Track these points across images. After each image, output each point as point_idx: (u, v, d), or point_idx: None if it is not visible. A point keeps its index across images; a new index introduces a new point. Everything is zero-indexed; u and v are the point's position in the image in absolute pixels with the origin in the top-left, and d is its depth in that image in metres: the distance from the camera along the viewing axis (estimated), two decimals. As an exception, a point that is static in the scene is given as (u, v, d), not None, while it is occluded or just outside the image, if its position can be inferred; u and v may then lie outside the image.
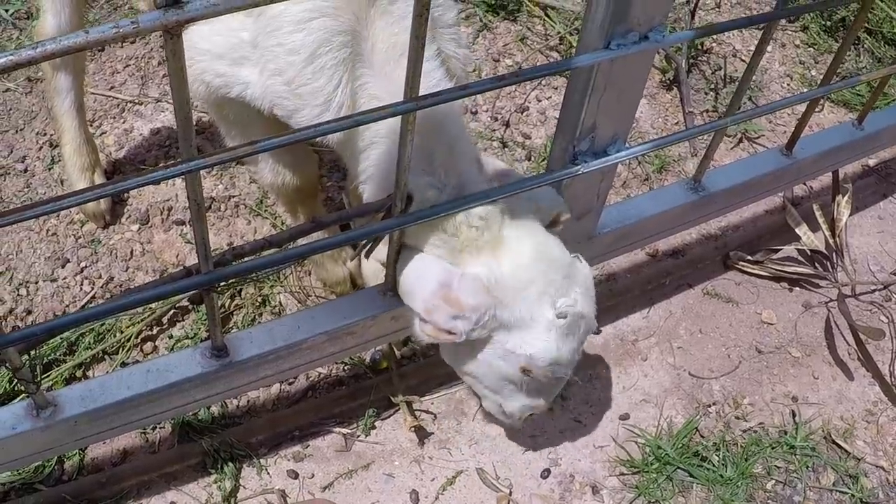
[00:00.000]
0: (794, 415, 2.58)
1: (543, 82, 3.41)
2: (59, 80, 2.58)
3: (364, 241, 1.83)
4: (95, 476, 2.21)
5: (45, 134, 2.94)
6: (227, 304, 2.56)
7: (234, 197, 2.84)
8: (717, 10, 3.87)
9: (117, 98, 3.11)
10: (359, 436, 2.39)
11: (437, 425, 2.44)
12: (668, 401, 2.57)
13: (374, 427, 2.41)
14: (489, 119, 3.24)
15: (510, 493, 2.33)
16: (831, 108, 3.56)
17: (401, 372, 2.48)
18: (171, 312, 2.53)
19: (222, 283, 1.66)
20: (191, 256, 2.68)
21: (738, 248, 2.96)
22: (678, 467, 2.40)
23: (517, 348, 1.78)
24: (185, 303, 2.54)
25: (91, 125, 2.94)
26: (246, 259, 1.68)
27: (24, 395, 2.20)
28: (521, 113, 3.29)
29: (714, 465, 2.41)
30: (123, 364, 2.41)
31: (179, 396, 1.85)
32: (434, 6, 1.82)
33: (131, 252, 2.67)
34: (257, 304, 2.58)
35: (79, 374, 2.38)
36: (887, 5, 3.78)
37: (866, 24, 3.76)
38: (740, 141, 3.36)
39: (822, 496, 2.42)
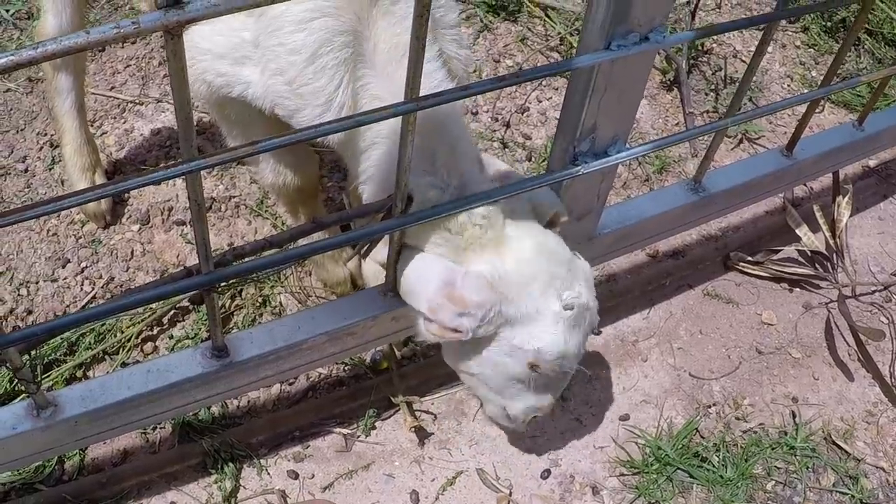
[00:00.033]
0: (794, 415, 2.58)
1: (544, 83, 3.41)
2: (60, 80, 2.58)
3: (362, 242, 1.84)
4: (96, 476, 2.22)
5: (45, 134, 2.94)
6: (227, 305, 2.56)
7: (234, 197, 2.84)
8: (717, 10, 3.87)
9: (118, 98, 3.11)
10: (359, 436, 2.39)
11: (438, 426, 2.44)
12: (668, 401, 2.57)
13: (374, 427, 2.41)
14: (490, 119, 3.24)
15: (510, 494, 2.33)
16: (832, 108, 3.56)
17: (401, 372, 2.48)
18: (172, 313, 2.53)
19: (223, 284, 1.66)
20: (191, 257, 2.68)
21: (738, 249, 2.96)
22: (678, 468, 2.40)
23: (525, 343, 1.77)
24: (185, 303, 2.55)
25: (92, 125, 2.94)
26: (246, 259, 1.68)
27: (24, 395, 2.20)
28: (522, 113, 3.29)
29: (714, 466, 2.41)
30: (124, 364, 2.41)
31: (180, 397, 1.85)
32: (436, 7, 1.82)
33: (132, 252, 2.67)
34: (258, 304, 2.58)
35: (79, 374, 2.39)
36: (888, 6, 3.79)
37: (867, 25, 3.76)
38: (741, 142, 3.36)
39: (822, 497, 2.42)
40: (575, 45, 3.37)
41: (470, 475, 2.36)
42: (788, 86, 3.61)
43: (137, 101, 3.11)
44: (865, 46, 3.78)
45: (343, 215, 2.04)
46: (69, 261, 2.62)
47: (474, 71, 3.32)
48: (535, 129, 3.24)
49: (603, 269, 2.83)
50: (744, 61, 3.65)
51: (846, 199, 2.94)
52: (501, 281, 1.73)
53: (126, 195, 2.81)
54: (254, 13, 1.77)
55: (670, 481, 2.38)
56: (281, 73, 1.75)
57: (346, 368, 2.52)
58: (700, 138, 3.23)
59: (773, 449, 2.48)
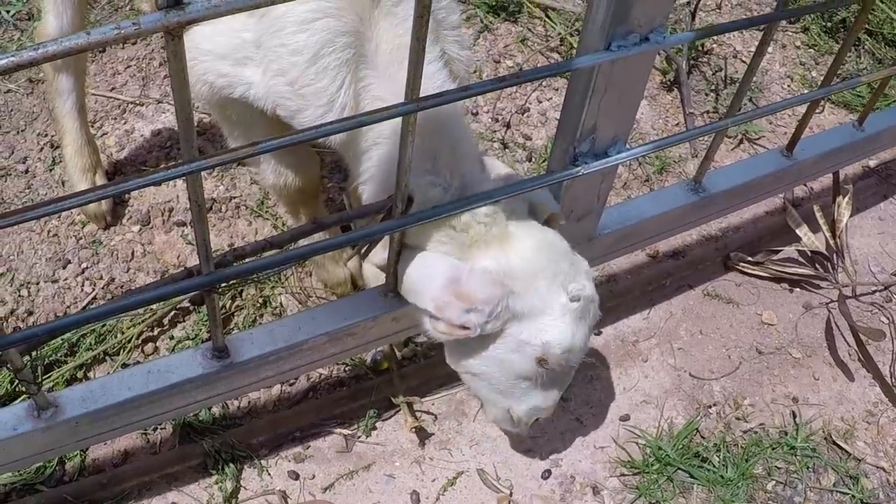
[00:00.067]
0: (794, 415, 2.58)
1: (544, 83, 3.41)
2: (61, 81, 2.58)
3: (362, 243, 1.84)
4: (96, 477, 2.22)
5: (46, 135, 2.95)
6: (227, 305, 2.56)
7: (235, 198, 2.84)
8: (717, 11, 3.87)
9: (118, 99, 3.11)
10: (359, 437, 2.39)
11: (438, 426, 2.45)
12: (668, 402, 2.57)
13: (374, 428, 2.41)
14: (490, 120, 3.24)
15: (511, 494, 2.33)
16: (832, 109, 3.56)
17: (401, 373, 2.48)
18: (172, 313, 2.53)
19: (223, 284, 1.66)
20: (192, 257, 2.68)
21: (738, 249, 2.96)
22: (679, 468, 2.40)
23: (533, 337, 1.77)
24: (186, 304, 2.55)
25: (92, 126, 2.94)
26: (247, 260, 1.68)
27: (25, 395, 2.21)
28: (522, 114, 3.29)
29: (714, 466, 2.41)
30: (124, 365, 2.41)
31: (180, 397, 1.85)
32: (438, 8, 1.83)
33: (132, 253, 2.67)
34: (258, 305, 2.59)
35: (80, 375, 2.39)
36: (888, 6, 3.79)
37: (867, 26, 3.76)
38: (741, 142, 3.36)
39: (822, 497, 2.42)
40: (575, 45, 3.37)
41: (470, 475, 2.36)
42: (788, 86, 3.62)
43: (138, 101, 3.11)
44: (865, 47, 3.78)
45: (343, 216, 2.05)
46: (70, 262, 2.62)
47: (475, 72, 3.32)
48: (536, 130, 3.24)
49: (603, 269, 2.83)
50: (744, 62, 3.66)
51: (846, 199, 2.94)
52: (507, 276, 1.74)
53: (126, 196, 2.81)
54: (255, 14, 1.77)
55: (671, 481, 2.38)
56: (283, 73, 1.75)
57: (346, 369, 2.52)
58: (700, 139, 3.24)
59: (773, 449, 2.48)
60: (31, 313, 2.51)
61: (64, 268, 2.61)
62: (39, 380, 2.31)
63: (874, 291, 2.95)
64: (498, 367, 1.85)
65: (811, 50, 3.79)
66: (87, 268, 2.62)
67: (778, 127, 3.45)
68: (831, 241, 2.91)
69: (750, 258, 2.92)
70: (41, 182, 2.82)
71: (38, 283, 2.57)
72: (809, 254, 2.95)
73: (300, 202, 2.32)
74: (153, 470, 2.25)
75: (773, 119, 3.47)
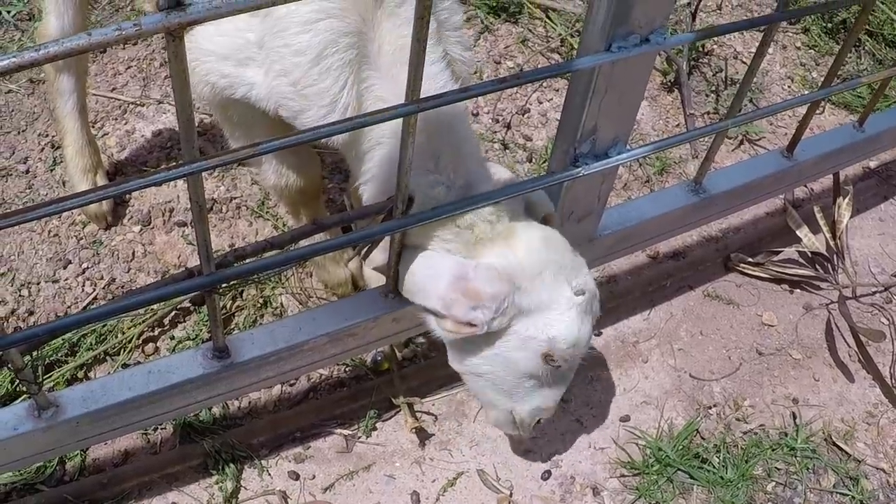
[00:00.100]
0: (794, 417, 2.58)
1: (545, 84, 3.42)
2: (62, 81, 2.58)
3: (363, 243, 1.84)
4: (97, 477, 2.22)
5: (47, 135, 2.95)
6: (228, 306, 2.56)
7: (235, 198, 2.84)
8: (717, 12, 3.87)
9: (119, 100, 3.11)
10: (360, 437, 2.39)
11: (438, 427, 2.45)
12: (668, 402, 2.57)
13: (375, 428, 2.41)
14: (490, 121, 3.24)
15: (511, 495, 2.33)
16: (832, 110, 3.57)
17: (402, 373, 2.48)
18: (173, 314, 2.53)
19: (224, 285, 1.66)
20: (192, 258, 2.68)
21: (738, 250, 2.96)
22: (679, 469, 2.40)
23: (539, 333, 1.78)
24: (186, 304, 2.55)
25: (93, 126, 2.94)
26: (247, 260, 1.68)
27: (25, 395, 2.21)
28: (523, 115, 3.30)
29: (714, 467, 2.41)
30: (125, 365, 2.41)
31: (181, 397, 1.85)
32: (441, 9, 1.83)
33: (133, 253, 2.67)
34: (259, 305, 2.59)
35: (80, 375, 2.39)
36: (888, 7, 3.79)
37: (867, 27, 3.76)
38: (741, 143, 3.36)
39: (822, 498, 2.42)
40: (576, 46, 3.38)
41: (471, 476, 2.36)
42: (789, 87, 3.62)
43: (139, 102, 3.11)
44: (866, 48, 3.78)
45: (344, 217, 2.04)
46: (70, 262, 2.63)
47: (475, 73, 3.32)
48: (536, 131, 3.25)
49: (603, 270, 2.83)
50: (744, 62, 3.66)
51: (847, 200, 2.94)
52: (513, 272, 1.74)
53: (127, 196, 2.81)
54: (258, 14, 1.77)
55: (671, 482, 2.38)
56: (285, 74, 1.75)
57: (347, 369, 2.52)
58: (701, 140, 3.24)
59: (773, 450, 2.48)
60: (31, 313, 2.51)
61: (65, 268, 2.61)
62: (40, 380, 2.31)
63: (874, 292, 2.95)
64: (503, 365, 1.85)
65: (812, 51, 3.79)
66: (87, 268, 2.62)
67: (778, 128, 3.45)
68: (831, 242, 2.92)
69: (750, 259, 2.92)
70: (42, 182, 2.82)
71: (38, 283, 2.57)
72: (810, 255, 2.95)
73: (301, 203, 2.33)
74: (153, 470, 2.25)
75: (773, 120, 3.47)
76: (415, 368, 2.53)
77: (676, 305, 2.82)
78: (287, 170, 2.20)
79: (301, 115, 1.79)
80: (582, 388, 2.56)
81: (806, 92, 3.58)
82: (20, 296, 2.53)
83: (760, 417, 2.57)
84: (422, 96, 1.41)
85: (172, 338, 2.50)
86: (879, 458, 2.53)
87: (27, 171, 2.84)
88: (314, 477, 2.30)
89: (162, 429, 2.33)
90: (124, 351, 2.43)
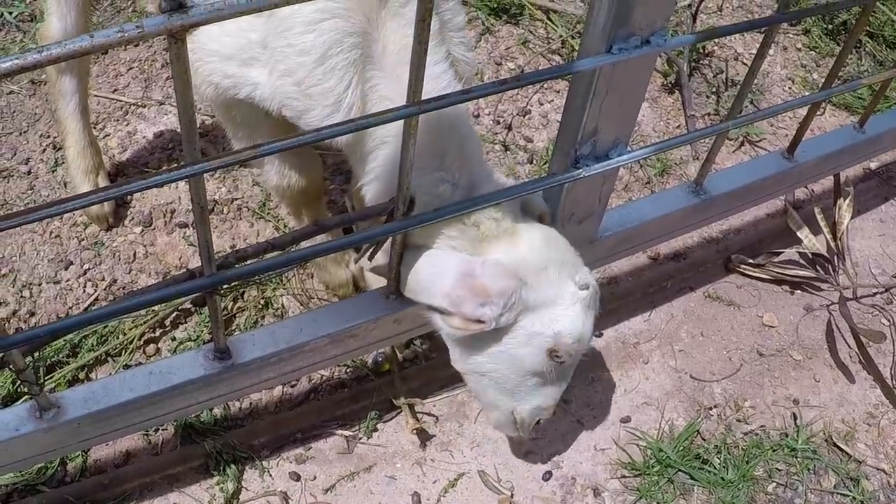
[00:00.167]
0: (795, 417, 2.59)
1: (545, 86, 3.42)
2: (64, 83, 2.58)
3: (367, 245, 1.84)
4: (98, 478, 2.22)
5: (48, 136, 2.95)
6: (229, 307, 2.57)
7: (236, 200, 2.85)
8: (718, 13, 3.88)
9: (121, 101, 3.12)
10: (361, 438, 2.39)
11: (439, 427, 2.45)
12: (669, 403, 2.57)
13: (376, 429, 2.42)
14: (491, 122, 3.25)
15: (512, 496, 2.33)
16: (833, 111, 3.57)
17: (403, 374, 2.49)
18: (174, 315, 2.54)
19: (225, 286, 1.67)
20: (194, 259, 2.68)
21: (739, 252, 2.97)
22: (679, 470, 2.40)
23: (545, 328, 1.80)
24: (187, 305, 2.55)
25: (94, 128, 2.94)
26: (249, 262, 1.69)
27: (27, 396, 2.21)
28: (523, 116, 3.30)
29: (715, 468, 2.41)
30: (126, 366, 2.41)
31: (182, 398, 1.85)
32: (444, 10, 1.83)
33: (134, 254, 2.68)
34: (260, 306, 2.59)
35: (82, 375, 2.39)
36: (889, 8, 3.79)
37: (868, 28, 3.76)
38: (742, 144, 3.36)
39: (823, 499, 2.42)
40: (576, 48, 3.38)
41: (471, 477, 2.36)
42: (789, 88, 3.62)
43: (140, 103, 3.12)
44: (867, 49, 3.78)
45: (345, 218, 2.05)
46: (72, 263, 2.63)
47: (476, 74, 3.33)
48: (537, 132, 3.25)
49: (604, 271, 2.83)
50: (745, 64, 3.66)
51: (847, 201, 2.94)
52: (519, 267, 1.76)
53: (129, 197, 2.81)
54: (262, 14, 1.77)
55: (671, 483, 2.38)
56: (290, 73, 1.75)
57: (348, 370, 2.53)
58: (701, 141, 3.24)
59: (774, 451, 2.48)
60: (33, 314, 2.51)
61: (66, 269, 2.62)
62: (41, 380, 2.32)
63: (875, 293, 2.95)
64: (508, 362, 1.86)
65: (812, 52, 3.79)
66: (89, 269, 2.63)
67: (779, 129, 3.45)
68: (832, 244, 2.92)
69: (751, 260, 2.92)
70: (44, 183, 2.83)
71: (40, 285, 2.57)
72: (810, 256, 2.95)
73: (303, 204, 2.33)
74: (155, 471, 2.25)
75: (774, 121, 3.47)
76: (416, 369, 2.53)
77: (677, 306, 2.82)
78: (289, 170, 2.20)
79: (305, 114, 1.79)
80: (583, 389, 2.56)
81: (806, 93, 3.58)
82: (22, 297, 2.54)
83: (761, 418, 2.57)
84: (425, 96, 1.42)
85: (174, 339, 2.50)
86: (880, 458, 2.53)
87: (29, 173, 2.85)
88: (315, 478, 2.31)
89: (163, 430, 2.34)
90: (125, 352, 2.44)
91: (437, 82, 1.77)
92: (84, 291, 2.58)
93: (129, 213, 2.77)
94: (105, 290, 2.59)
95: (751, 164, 2.66)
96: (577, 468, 2.41)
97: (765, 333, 2.79)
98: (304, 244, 1.94)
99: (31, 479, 2.18)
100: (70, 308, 2.54)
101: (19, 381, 2.28)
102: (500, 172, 2.09)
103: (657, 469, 2.40)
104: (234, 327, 2.54)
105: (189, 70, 1.15)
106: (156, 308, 2.49)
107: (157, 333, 2.51)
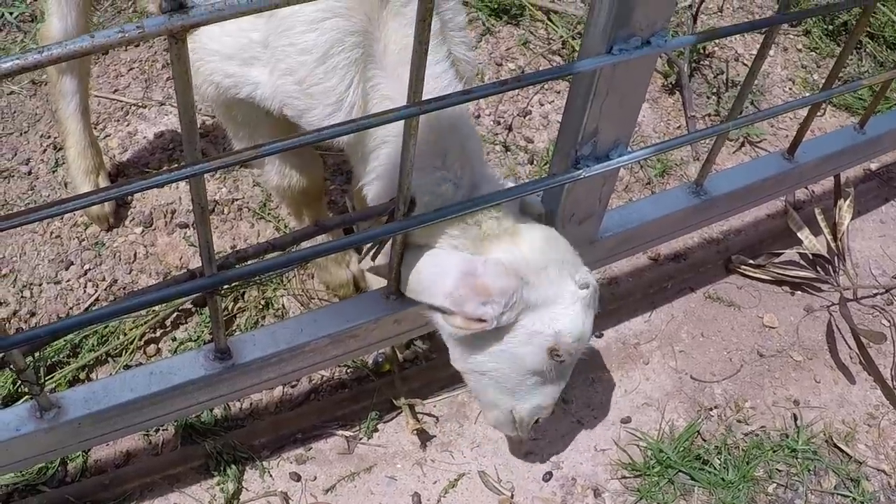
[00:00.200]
0: (795, 418, 2.59)
1: (546, 86, 3.42)
2: (65, 83, 2.58)
3: (370, 245, 1.84)
4: (98, 478, 2.22)
5: (49, 137, 2.95)
6: (230, 307, 2.57)
7: (237, 200, 2.85)
8: (719, 14, 3.88)
9: (121, 101, 3.12)
10: (361, 438, 2.39)
11: (440, 428, 2.45)
12: (669, 404, 2.57)
13: (376, 430, 2.42)
14: (492, 123, 3.25)
15: (512, 496, 2.33)
16: (833, 112, 3.57)
17: (403, 375, 2.49)
18: (175, 315, 2.54)
19: (225, 286, 1.67)
20: (194, 259, 2.68)
21: (739, 252, 2.97)
22: (680, 470, 2.40)
23: (545, 327, 1.81)
24: (188, 305, 2.55)
25: (95, 128, 2.95)
26: (249, 262, 1.69)
27: (27, 396, 2.21)
28: (524, 117, 3.30)
29: (716, 469, 2.41)
30: (127, 366, 2.41)
31: (182, 399, 1.86)
32: (444, 10, 1.83)
33: (135, 255, 2.68)
34: (260, 306, 2.59)
35: (82, 376, 2.39)
36: (889, 9, 3.79)
37: (868, 29, 3.76)
38: (742, 145, 3.36)
39: (823, 499, 2.42)
40: (577, 48, 3.38)
41: (472, 477, 2.36)
42: (790, 89, 3.62)
43: (141, 104, 3.12)
44: (867, 49, 3.78)
45: (346, 218, 2.05)
46: (72, 263, 2.63)
47: (477, 74, 3.33)
48: (537, 133, 3.25)
49: (605, 272, 2.83)
50: (745, 65, 3.66)
51: (847, 202, 2.94)
52: (520, 267, 1.77)
53: (129, 198, 2.82)
54: (263, 14, 1.77)
55: (672, 484, 2.38)
56: (291, 72, 1.75)
57: (348, 371, 2.53)
58: (702, 142, 3.24)
59: (774, 451, 2.48)
60: (33, 314, 2.51)
61: (67, 269, 2.62)
62: (42, 381, 2.32)
63: (875, 294, 2.95)
64: (508, 361, 1.87)
65: (813, 53, 3.79)
66: (89, 269, 2.63)
67: (779, 130, 3.45)
68: (832, 244, 2.92)
69: (751, 261, 2.92)
70: (44, 184, 2.83)
71: (40, 285, 2.57)
72: (811, 257, 2.95)
73: (304, 204, 2.33)
74: (155, 471, 2.25)
75: (774, 122, 3.47)
76: (416, 370, 2.53)
77: (677, 307, 2.82)
78: (290, 170, 2.20)
79: (306, 113, 1.79)
80: (583, 390, 2.56)
81: (807, 94, 3.58)
82: (22, 297, 2.54)
83: (761, 419, 2.57)
84: (426, 95, 1.42)
85: (174, 339, 2.50)
86: (880, 459, 2.53)
87: (29, 173, 2.85)
88: (315, 478, 2.31)
89: (164, 430, 2.34)
90: (126, 352, 2.44)
91: (438, 81, 1.77)
92: (85, 292, 2.58)
93: (129, 213, 2.77)
94: (106, 290, 2.59)
95: (751, 165, 2.66)
96: (578, 469, 2.41)
97: (765, 334, 2.79)
98: (305, 244, 1.94)
99: (31, 479, 2.18)
100: (71, 308, 2.54)
101: (20, 381, 2.28)
102: (501, 173, 2.09)
103: (657, 470, 2.40)
104: (234, 328, 2.54)
105: (190, 70, 1.15)
106: (156, 308, 2.49)
107: (158, 334, 2.51)
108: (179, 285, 1.57)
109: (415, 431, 2.38)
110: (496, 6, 3.61)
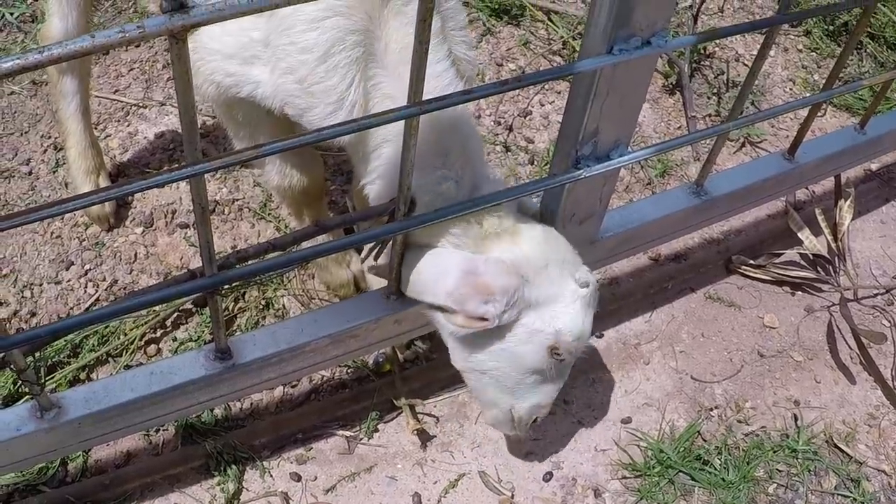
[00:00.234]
0: (796, 418, 2.58)
1: (546, 86, 3.42)
2: (65, 83, 2.58)
3: (371, 245, 1.85)
4: (99, 478, 2.22)
5: (49, 137, 2.96)
6: (230, 307, 2.57)
7: (237, 200, 2.85)
8: (719, 14, 3.88)
9: (122, 101, 3.12)
10: (362, 438, 2.39)
11: (440, 428, 2.45)
12: (670, 404, 2.57)
13: (376, 430, 2.42)
14: (492, 123, 3.25)
15: (512, 497, 2.33)
16: (834, 112, 3.57)
17: (404, 375, 2.49)
18: (175, 315, 2.54)
19: (226, 286, 1.67)
20: (195, 259, 2.69)
21: (740, 253, 2.96)
22: (680, 471, 2.40)
23: (546, 325, 1.82)
24: (188, 305, 2.55)
25: (95, 128, 2.95)
26: (250, 262, 1.69)
27: (28, 396, 2.21)
28: (524, 117, 3.30)
29: (716, 469, 2.41)
30: (127, 366, 2.41)
31: (183, 399, 1.86)
32: (445, 9, 1.83)
33: (135, 255, 2.68)
34: (261, 307, 2.59)
35: (83, 376, 2.39)
36: (890, 10, 3.79)
37: (869, 29, 3.76)
38: (743, 145, 3.36)
39: (823, 500, 2.42)
40: (577, 48, 3.38)
41: (472, 477, 2.36)
42: (790, 89, 3.62)
43: (141, 104, 3.12)
44: (867, 50, 3.78)
45: (346, 218, 2.05)
46: (73, 263, 2.63)
47: (477, 74, 3.33)
48: (538, 133, 3.25)
49: (605, 272, 2.83)
50: (746, 65, 3.66)
51: (848, 202, 2.94)
52: (521, 265, 1.78)
53: (130, 198, 2.82)
54: (263, 13, 1.77)
55: (672, 484, 2.38)
56: (292, 71, 1.75)
57: (348, 371, 2.53)
58: (702, 142, 3.24)
59: (774, 452, 2.48)
60: (34, 314, 2.51)
61: (67, 269, 2.62)
62: (42, 381, 2.32)
63: (875, 294, 2.95)
64: (509, 360, 1.87)
65: (813, 53, 3.79)
66: (90, 269, 2.63)
67: (780, 130, 3.45)
68: (833, 245, 2.92)
69: (751, 261, 2.92)
70: (45, 184, 2.83)
71: (41, 285, 2.57)
72: (811, 257, 2.95)
73: (304, 204, 2.33)
74: (155, 471, 2.25)
75: (774, 122, 3.47)
76: (416, 370, 2.53)
77: (678, 307, 2.82)
78: (290, 170, 2.20)
79: (307, 112, 1.79)
80: (583, 390, 2.56)
81: (807, 94, 3.58)
82: (23, 297, 2.54)
83: (762, 419, 2.57)
84: (427, 95, 1.42)
85: (174, 339, 2.50)
86: (881, 459, 2.53)
87: (30, 173, 2.85)
88: (316, 478, 2.31)
89: (164, 430, 2.34)
90: (126, 352, 2.44)
91: (438, 81, 1.78)
92: (85, 292, 2.58)
93: (130, 213, 2.77)
94: (106, 290, 2.59)
95: (752, 165, 2.66)
96: (578, 469, 2.41)
97: (765, 334, 2.79)
98: (306, 244, 1.94)
99: (31, 479, 2.18)
100: (71, 308, 2.54)
101: (20, 381, 2.28)
102: (501, 173, 2.10)
103: (658, 470, 2.40)
104: (235, 328, 2.54)
105: (190, 70, 1.15)
106: (157, 308, 2.49)
107: (158, 334, 2.51)
108: (180, 285, 1.57)
109: (415, 431, 2.38)
110: (497, 6, 3.61)
